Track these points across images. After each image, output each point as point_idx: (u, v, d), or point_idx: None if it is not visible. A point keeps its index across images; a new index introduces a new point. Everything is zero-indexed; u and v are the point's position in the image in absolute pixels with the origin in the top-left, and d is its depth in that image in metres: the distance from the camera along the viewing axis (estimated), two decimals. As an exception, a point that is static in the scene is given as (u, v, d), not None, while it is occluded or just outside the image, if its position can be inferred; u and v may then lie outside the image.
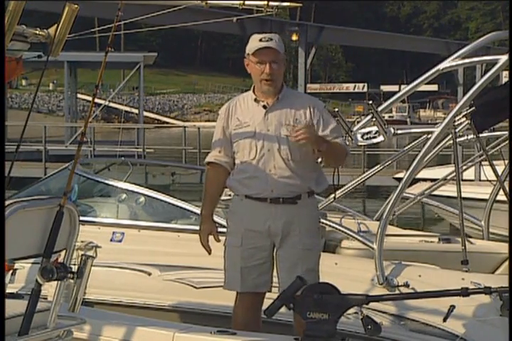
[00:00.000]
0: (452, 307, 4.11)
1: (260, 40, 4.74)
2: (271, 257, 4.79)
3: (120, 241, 6.30)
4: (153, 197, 6.59)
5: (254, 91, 4.86)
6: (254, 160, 4.75)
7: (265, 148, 4.74)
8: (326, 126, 4.77)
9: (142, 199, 6.69)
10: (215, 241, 4.82)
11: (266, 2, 5.66)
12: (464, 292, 3.92)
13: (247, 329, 4.54)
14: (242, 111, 4.85)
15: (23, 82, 68.46)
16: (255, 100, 4.83)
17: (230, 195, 5.12)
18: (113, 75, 53.78)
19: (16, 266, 3.00)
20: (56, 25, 3.18)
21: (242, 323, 4.71)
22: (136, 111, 35.46)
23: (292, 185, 4.75)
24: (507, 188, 6.96)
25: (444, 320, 4.26)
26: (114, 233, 6.34)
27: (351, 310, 3.90)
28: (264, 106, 4.80)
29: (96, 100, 4.07)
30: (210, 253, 4.84)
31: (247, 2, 5.59)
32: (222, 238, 4.87)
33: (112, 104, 47.21)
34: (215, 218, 5.12)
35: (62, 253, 3.29)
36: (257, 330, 4.61)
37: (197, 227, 4.96)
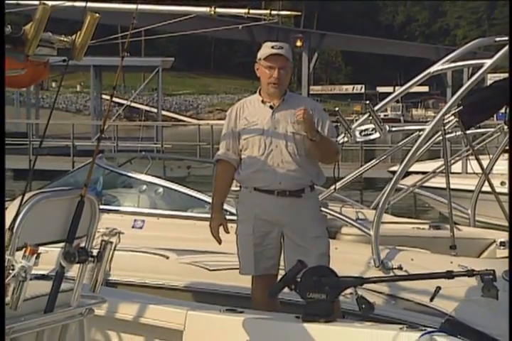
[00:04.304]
0: (438, 288, 4.10)
1: (272, 47, 4.79)
2: (279, 243, 4.80)
3: (141, 227, 6.30)
4: (171, 188, 6.59)
5: (260, 94, 4.91)
6: (262, 155, 4.78)
7: (273, 144, 4.77)
8: (323, 125, 4.82)
9: (161, 190, 6.69)
10: (224, 232, 4.83)
11: (269, 11, 5.75)
12: (449, 275, 3.93)
13: (267, 309, 4.50)
14: (249, 111, 4.88)
15: (53, 84, 68.44)
16: (262, 101, 4.87)
17: (240, 187, 5.11)
18: (134, 78, 53.85)
19: (40, 250, 3.00)
20: (79, 32, 3.19)
21: (261, 304, 4.68)
22: (155, 110, 35.54)
23: (298, 177, 4.77)
24: (492, 180, 6.96)
25: (431, 300, 4.25)
26: (135, 220, 6.34)
27: (349, 291, 3.89)
28: (271, 107, 4.84)
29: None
30: (220, 244, 4.85)
31: (251, 11, 5.66)
32: (232, 225, 4.87)
33: (133, 104, 47.12)
34: (227, 207, 5.08)
35: (85, 238, 3.29)
36: (275, 310, 4.58)
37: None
